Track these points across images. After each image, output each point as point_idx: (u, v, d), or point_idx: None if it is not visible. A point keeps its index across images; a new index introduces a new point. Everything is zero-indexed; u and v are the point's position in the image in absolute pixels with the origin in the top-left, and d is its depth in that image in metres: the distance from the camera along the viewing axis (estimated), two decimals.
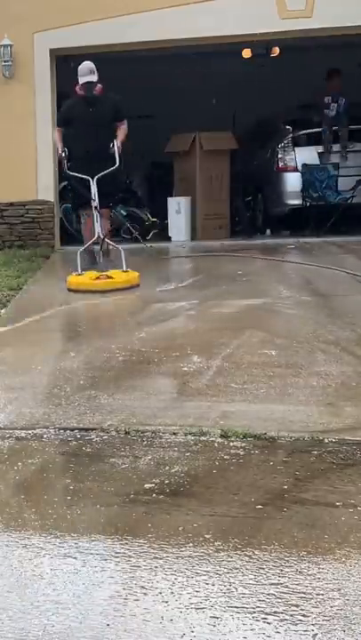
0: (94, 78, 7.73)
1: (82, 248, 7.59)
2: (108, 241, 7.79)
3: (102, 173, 7.45)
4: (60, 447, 3.46)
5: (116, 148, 7.54)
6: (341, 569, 2.31)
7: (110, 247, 7.81)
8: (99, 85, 7.77)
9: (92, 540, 2.54)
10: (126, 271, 7.17)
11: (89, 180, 7.49)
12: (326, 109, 10.73)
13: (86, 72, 7.73)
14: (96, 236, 7.52)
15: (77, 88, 7.85)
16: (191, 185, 10.98)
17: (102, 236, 7.54)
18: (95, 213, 7.53)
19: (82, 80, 7.76)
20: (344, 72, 10.95)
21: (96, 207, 7.50)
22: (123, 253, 7.28)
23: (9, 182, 9.80)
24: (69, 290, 6.99)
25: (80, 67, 7.80)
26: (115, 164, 7.52)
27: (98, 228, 7.50)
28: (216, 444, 3.33)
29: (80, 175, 7.63)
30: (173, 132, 11.32)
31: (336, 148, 10.63)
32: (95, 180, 7.47)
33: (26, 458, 3.30)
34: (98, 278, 7.04)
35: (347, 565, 2.33)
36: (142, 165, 13.24)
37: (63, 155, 7.75)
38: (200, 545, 2.47)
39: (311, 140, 10.74)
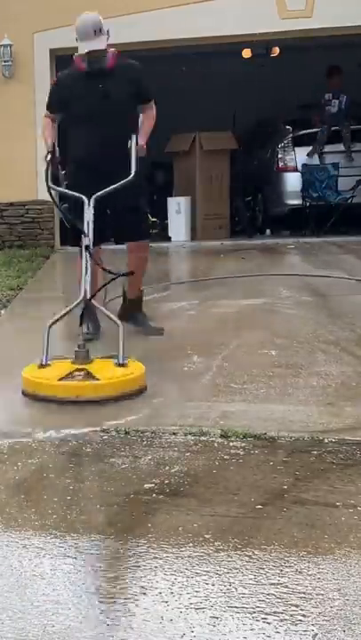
0: (102, 44, 4.85)
1: (53, 319, 4.41)
2: (100, 306, 4.66)
3: (104, 191, 4.60)
4: (59, 447, 3.46)
5: (133, 148, 4.78)
6: (341, 569, 2.31)
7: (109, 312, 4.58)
8: (112, 51, 4.94)
9: (92, 540, 2.54)
10: (123, 364, 4.12)
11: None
12: (328, 106, 10.74)
13: (88, 33, 4.79)
14: (81, 295, 4.45)
15: (77, 59, 4.97)
16: (191, 185, 10.98)
17: (88, 297, 4.44)
18: (85, 255, 4.55)
19: (82, 47, 4.86)
20: (344, 72, 10.96)
21: (87, 247, 4.54)
22: (122, 331, 4.24)
23: (9, 182, 9.80)
24: (24, 394, 4.06)
25: (78, 25, 4.84)
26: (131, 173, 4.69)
27: (85, 284, 4.46)
28: (216, 444, 3.33)
29: (71, 192, 4.80)
30: (173, 132, 11.33)
31: (331, 148, 10.62)
32: (92, 200, 4.58)
33: (25, 458, 3.30)
34: (70, 375, 4.05)
35: (347, 565, 2.33)
36: (142, 165, 13.25)
37: (49, 155, 4.85)
38: (200, 545, 2.47)
39: (312, 140, 10.74)
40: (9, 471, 3.18)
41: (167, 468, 3.11)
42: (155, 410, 3.82)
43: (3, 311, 6.36)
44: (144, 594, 2.21)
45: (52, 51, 9.82)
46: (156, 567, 2.35)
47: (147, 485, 2.95)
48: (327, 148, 10.65)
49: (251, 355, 4.72)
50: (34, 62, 9.85)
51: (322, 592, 2.18)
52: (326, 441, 3.33)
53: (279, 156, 10.78)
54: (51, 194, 5.05)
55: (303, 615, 2.07)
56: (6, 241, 10.02)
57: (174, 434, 3.47)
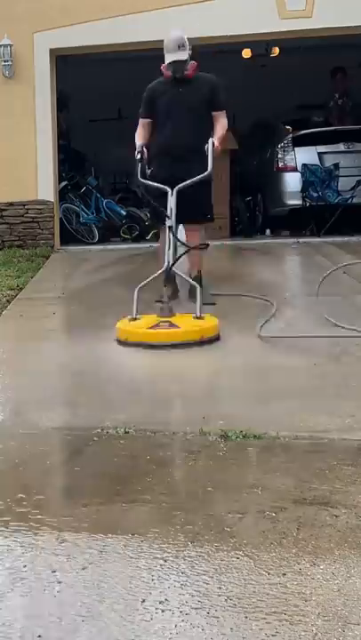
0: (184, 56, 5.92)
1: (142, 283, 5.44)
2: (180, 273, 5.76)
3: (183, 184, 5.65)
4: (58, 446, 3.46)
5: (210, 147, 5.73)
6: (341, 569, 2.31)
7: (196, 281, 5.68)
8: (192, 63, 6.03)
9: (92, 540, 2.54)
10: (201, 317, 5.18)
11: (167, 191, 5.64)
12: (333, 106, 10.83)
13: (173, 48, 5.90)
14: (165, 265, 5.47)
15: (163, 68, 6.07)
16: None
17: (170, 266, 5.47)
18: (169, 235, 5.57)
19: (168, 58, 5.93)
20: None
21: (171, 227, 5.58)
22: (199, 291, 5.37)
23: (9, 182, 9.79)
24: (118, 342, 5.06)
25: (165, 40, 5.95)
26: (205, 168, 5.69)
27: (168, 256, 5.48)
28: (216, 444, 3.33)
29: (156, 185, 5.78)
30: None
31: (331, 148, 10.63)
32: (175, 192, 5.61)
33: (24, 457, 3.30)
34: (156, 325, 5.08)
35: (347, 566, 2.33)
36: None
37: (139, 155, 5.88)
38: (200, 545, 2.47)
39: (311, 140, 10.74)
40: (8, 470, 3.18)
41: (167, 467, 3.11)
42: (154, 409, 3.82)
43: (3, 311, 6.36)
44: (143, 593, 2.21)
45: (52, 51, 9.81)
46: (155, 567, 2.35)
47: (146, 485, 2.95)
48: (327, 149, 10.65)
49: (251, 354, 4.72)
50: (34, 62, 9.84)
51: (322, 592, 2.18)
52: (327, 441, 3.33)
53: (279, 156, 10.77)
54: (141, 186, 6.13)
55: (303, 615, 2.07)
56: (6, 241, 10.01)
57: (174, 433, 3.47)
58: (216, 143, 5.82)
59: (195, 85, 6.00)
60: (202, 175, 5.67)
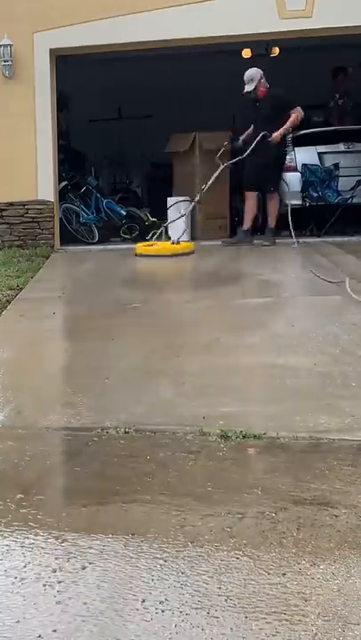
0: (250, 88, 9.26)
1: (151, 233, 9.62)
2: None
3: (228, 162, 9.62)
4: (58, 447, 3.46)
5: (257, 138, 9.18)
6: (341, 569, 2.31)
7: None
8: (261, 90, 9.31)
9: (92, 540, 2.54)
10: (178, 243, 8.79)
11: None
12: (334, 106, 10.84)
13: (245, 82, 9.26)
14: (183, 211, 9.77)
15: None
16: (191, 185, 10.95)
17: (183, 214, 9.65)
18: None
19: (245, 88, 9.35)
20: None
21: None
22: (183, 229, 9.33)
23: (9, 182, 9.79)
24: (135, 255, 8.79)
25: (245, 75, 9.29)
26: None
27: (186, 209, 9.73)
28: (216, 444, 3.33)
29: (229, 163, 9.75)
30: (173, 132, 11.32)
31: (331, 148, 10.64)
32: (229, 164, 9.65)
33: (24, 457, 3.30)
34: (150, 246, 8.90)
35: (347, 566, 2.33)
36: (142, 165, 13.25)
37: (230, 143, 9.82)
38: (200, 545, 2.47)
39: (312, 140, 10.73)
40: (8, 470, 3.18)
41: (166, 467, 3.11)
42: (153, 408, 3.82)
43: (3, 311, 6.35)
44: (143, 593, 2.21)
45: (52, 51, 9.81)
46: (155, 567, 2.35)
47: (146, 485, 2.95)
48: (327, 149, 10.65)
49: (251, 354, 4.72)
50: (34, 62, 9.83)
51: (322, 592, 2.18)
52: (326, 441, 3.33)
53: None
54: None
55: (303, 615, 2.07)
56: (6, 241, 10.01)
57: (174, 433, 3.47)
58: (273, 135, 9.24)
59: (266, 102, 9.34)
60: (244, 155, 9.40)
